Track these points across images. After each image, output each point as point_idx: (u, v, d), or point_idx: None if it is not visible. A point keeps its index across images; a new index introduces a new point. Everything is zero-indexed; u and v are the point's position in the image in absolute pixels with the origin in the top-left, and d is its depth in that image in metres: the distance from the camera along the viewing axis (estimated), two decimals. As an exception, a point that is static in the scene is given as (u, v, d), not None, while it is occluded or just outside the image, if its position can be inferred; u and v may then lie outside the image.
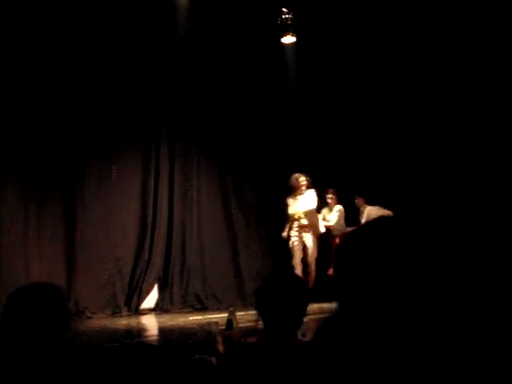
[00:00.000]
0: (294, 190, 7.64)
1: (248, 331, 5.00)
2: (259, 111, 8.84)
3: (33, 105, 7.06)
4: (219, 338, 3.27)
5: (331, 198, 8.52)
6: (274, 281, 2.45)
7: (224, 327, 4.85)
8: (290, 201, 7.68)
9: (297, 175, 7.63)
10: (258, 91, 8.82)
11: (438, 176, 8.20)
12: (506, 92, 7.64)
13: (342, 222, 8.47)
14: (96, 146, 7.56)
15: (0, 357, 2.08)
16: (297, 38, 8.70)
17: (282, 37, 8.72)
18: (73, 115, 7.36)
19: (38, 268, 6.90)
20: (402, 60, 8.45)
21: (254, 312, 2.52)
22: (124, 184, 7.83)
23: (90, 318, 7.04)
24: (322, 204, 8.32)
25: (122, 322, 6.94)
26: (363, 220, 8.25)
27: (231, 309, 4.70)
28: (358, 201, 8.42)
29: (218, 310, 7.53)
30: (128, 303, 7.65)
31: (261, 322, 2.38)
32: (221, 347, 3.18)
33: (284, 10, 8.57)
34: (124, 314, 7.47)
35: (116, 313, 7.44)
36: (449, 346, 1.46)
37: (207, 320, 6.70)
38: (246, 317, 6.15)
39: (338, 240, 8.21)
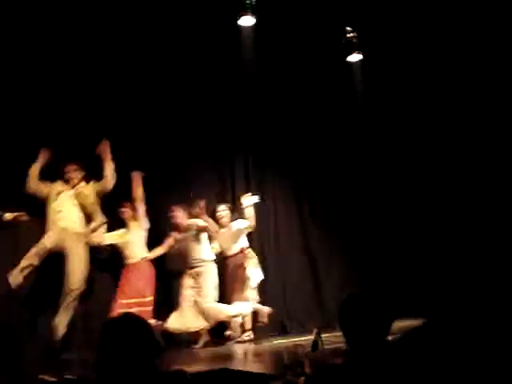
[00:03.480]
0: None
1: (334, 352, 4.96)
2: (328, 129, 8.90)
3: (115, 128, 7.28)
4: (306, 360, 3.27)
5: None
6: (356, 299, 2.44)
7: (310, 349, 4.83)
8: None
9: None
10: (327, 109, 8.88)
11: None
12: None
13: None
14: (172, 170, 7.75)
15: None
16: (363, 56, 8.71)
17: (348, 55, 8.74)
18: (150, 139, 7.58)
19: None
20: (471, 79, 8.31)
21: (338, 333, 2.51)
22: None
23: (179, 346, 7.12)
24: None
25: (208, 349, 7.00)
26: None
27: (316, 330, 4.67)
28: None
29: (302, 333, 7.48)
30: (213, 331, 7.71)
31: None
32: (308, 369, 3.18)
33: (348, 28, 8.59)
34: (210, 341, 7.52)
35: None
36: None
37: (292, 343, 6.68)
38: (330, 338, 6.10)
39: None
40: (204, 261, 7.16)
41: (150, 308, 6.68)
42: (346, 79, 8.87)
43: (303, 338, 6.71)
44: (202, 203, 7.17)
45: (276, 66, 8.45)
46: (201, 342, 7.07)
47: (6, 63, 6.66)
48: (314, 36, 8.40)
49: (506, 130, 8.10)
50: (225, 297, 7.31)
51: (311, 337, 5.15)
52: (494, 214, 8.10)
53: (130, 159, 7.28)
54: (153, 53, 7.62)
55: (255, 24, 7.83)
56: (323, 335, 5.08)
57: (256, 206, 7.76)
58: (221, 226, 7.52)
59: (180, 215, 7.18)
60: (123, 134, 7.31)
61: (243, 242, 7.59)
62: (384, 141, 9.05)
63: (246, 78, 8.19)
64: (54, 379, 4.43)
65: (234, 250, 7.54)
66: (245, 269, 7.39)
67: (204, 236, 7.25)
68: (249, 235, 8.16)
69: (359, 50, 8.67)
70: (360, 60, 8.77)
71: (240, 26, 7.87)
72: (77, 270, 6.30)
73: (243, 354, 6.72)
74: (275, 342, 7.09)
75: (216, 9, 7.68)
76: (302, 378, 3.06)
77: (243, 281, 7.35)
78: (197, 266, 7.13)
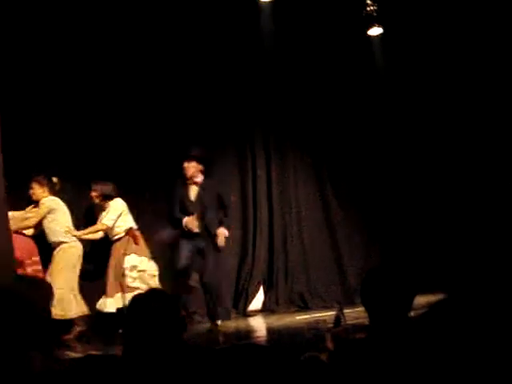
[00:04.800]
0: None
1: (356, 328, 4.97)
2: (349, 105, 8.80)
3: (131, 112, 7.28)
4: (328, 336, 3.27)
5: None
6: (378, 273, 2.44)
7: (332, 324, 4.85)
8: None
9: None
10: (347, 84, 8.77)
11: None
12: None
13: None
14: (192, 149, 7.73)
15: (123, 357, 2.21)
16: (383, 29, 8.59)
17: (368, 29, 8.63)
18: (170, 119, 7.55)
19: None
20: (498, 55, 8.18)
21: (360, 309, 2.52)
22: (223, 187, 7.96)
23: (199, 322, 7.19)
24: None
25: (231, 324, 7.06)
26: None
27: (339, 305, 4.67)
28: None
29: (324, 308, 7.53)
30: (235, 306, 7.80)
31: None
32: (330, 344, 3.18)
33: (368, 1, 8.48)
34: (232, 316, 7.60)
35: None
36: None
37: (314, 318, 6.72)
38: (352, 314, 6.11)
39: None
40: (55, 242, 6.30)
41: None
42: (367, 53, 8.77)
43: (325, 314, 6.74)
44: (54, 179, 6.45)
45: (295, 41, 8.36)
46: (73, 331, 6.11)
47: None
48: (334, 9, 8.30)
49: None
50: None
51: (333, 312, 5.17)
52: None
53: (148, 138, 7.35)
54: (167, 29, 7.52)
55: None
56: (345, 311, 5.10)
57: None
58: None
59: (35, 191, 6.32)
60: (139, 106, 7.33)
61: (128, 222, 6.61)
62: (405, 117, 8.94)
63: (265, 53, 8.16)
64: (79, 355, 4.50)
65: (117, 233, 6.57)
66: (124, 255, 6.47)
67: (56, 216, 6.29)
68: (270, 211, 8.18)
69: (379, 24, 8.56)
70: (380, 34, 8.66)
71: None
72: None
73: (265, 329, 6.79)
74: (297, 317, 7.13)
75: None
76: (325, 354, 3.08)
77: (118, 270, 6.44)
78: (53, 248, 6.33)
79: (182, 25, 7.62)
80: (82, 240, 6.43)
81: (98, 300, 6.39)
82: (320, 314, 6.91)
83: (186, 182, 6.63)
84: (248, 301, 7.87)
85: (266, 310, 7.91)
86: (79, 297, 6.21)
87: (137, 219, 6.72)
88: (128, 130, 7.24)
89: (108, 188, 6.56)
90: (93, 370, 2.17)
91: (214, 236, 6.53)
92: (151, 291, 2.32)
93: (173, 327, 2.21)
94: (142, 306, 2.23)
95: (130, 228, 6.56)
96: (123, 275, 6.32)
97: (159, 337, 2.18)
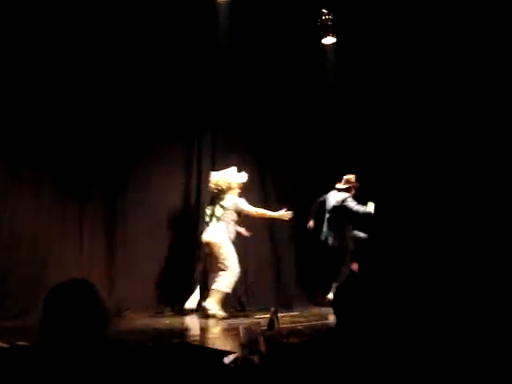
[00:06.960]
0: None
1: (289, 332, 5.01)
2: (299, 110, 8.91)
3: (74, 106, 7.20)
4: (261, 338, 3.29)
5: None
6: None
7: (266, 327, 4.87)
8: None
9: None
10: (299, 91, 8.88)
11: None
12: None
13: None
14: (138, 145, 7.67)
15: (41, 353, 2.11)
16: (337, 39, 8.71)
17: (322, 38, 8.74)
18: (114, 111, 7.48)
19: (79, 269, 6.96)
20: (448, 59, 8.35)
21: (294, 313, 2.53)
22: (166, 182, 7.90)
23: (132, 318, 7.11)
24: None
25: (165, 322, 7.01)
26: None
27: (273, 309, 4.69)
28: None
29: (260, 311, 7.54)
30: (171, 304, 7.73)
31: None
32: (263, 347, 3.19)
33: (324, 10, 8.58)
34: (167, 314, 7.54)
35: (159, 313, 7.52)
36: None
37: (249, 321, 6.72)
38: (286, 318, 6.15)
39: None
40: None
41: None
42: (319, 61, 8.88)
43: (260, 317, 6.76)
44: None
45: (250, 42, 8.40)
46: None
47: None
48: (290, 17, 8.37)
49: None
50: None
51: (268, 315, 5.19)
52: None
53: (95, 135, 7.25)
54: (122, 25, 7.48)
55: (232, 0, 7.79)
56: (280, 314, 5.12)
57: None
58: None
59: None
60: (86, 108, 7.26)
61: None
62: (354, 122, 9.07)
63: (218, 53, 8.14)
64: (5, 345, 4.38)
65: None
66: None
67: None
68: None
69: (333, 33, 8.67)
70: (334, 43, 8.78)
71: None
72: None
73: (200, 329, 6.75)
74: (232, 318, 7.12)
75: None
76: (257, 356, 3.09)
77: None
78: None
79: (136, 20, 7.57)
80: None
81: None
82: (255, 317, 6.91)
83: (349, 190, 8.34)
84: (184, 299, 7.81)
85: (201, 309, 7.87)
86: None
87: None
88: (76, 121, 7.16)
89: None
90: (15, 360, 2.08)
91: None
92: (72, 281, 2.21)
93: (93, 320, 2.12)
94: (61, 296, 2.13)
95: None
96: None
97: (77, 329, 2.08)
